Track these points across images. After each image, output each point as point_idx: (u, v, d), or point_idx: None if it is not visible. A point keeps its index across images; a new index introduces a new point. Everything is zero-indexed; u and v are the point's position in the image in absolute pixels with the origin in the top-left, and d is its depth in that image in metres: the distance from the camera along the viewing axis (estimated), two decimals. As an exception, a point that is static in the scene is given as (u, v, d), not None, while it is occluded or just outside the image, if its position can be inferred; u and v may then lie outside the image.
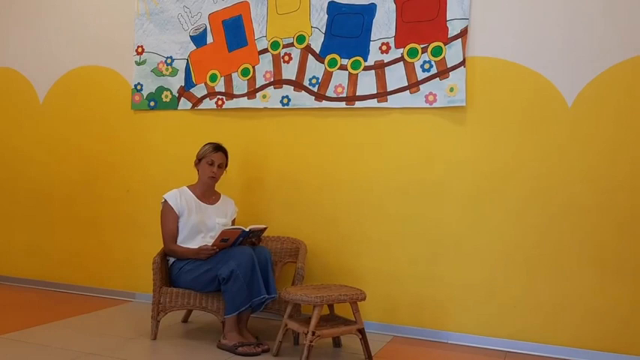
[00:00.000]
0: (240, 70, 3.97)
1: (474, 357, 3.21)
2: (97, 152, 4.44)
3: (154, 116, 4.26)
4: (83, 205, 4.47)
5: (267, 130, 3.92)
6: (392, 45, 3.58)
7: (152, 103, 4.24)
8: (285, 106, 3.84)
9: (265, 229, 3.36)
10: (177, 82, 4.16)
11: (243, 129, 3.97)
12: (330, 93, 3.72)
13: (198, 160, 3.50)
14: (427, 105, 3.49)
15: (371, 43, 3.63)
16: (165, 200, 3.41)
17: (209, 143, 3.51)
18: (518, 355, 3.25)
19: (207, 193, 3.52)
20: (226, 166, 3.54)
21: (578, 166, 3.21)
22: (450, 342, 3.43)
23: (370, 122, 3.65)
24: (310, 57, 3.78)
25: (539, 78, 3.28)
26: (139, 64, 4.28)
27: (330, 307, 3.23)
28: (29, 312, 3.88)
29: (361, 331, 3.05)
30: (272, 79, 3.88)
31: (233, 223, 3.56)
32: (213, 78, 4.04)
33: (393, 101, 3.57)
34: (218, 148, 3.49)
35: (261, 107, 3.91)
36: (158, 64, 4.21)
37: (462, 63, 3.40)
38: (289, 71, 3.83)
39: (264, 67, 3.90)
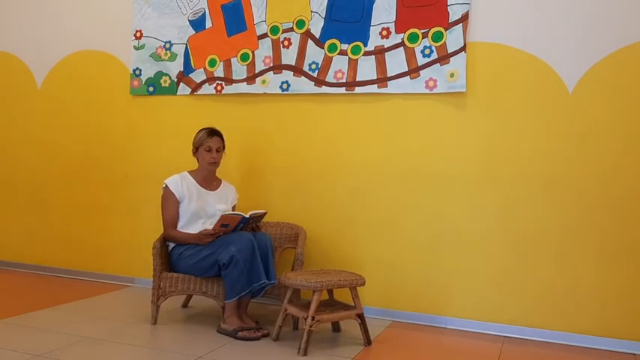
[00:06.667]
0: (239, 55, 3.95)
1: (473, 342, 3.24)
2: (96, 137, 4.43)
3: (153, 101, 4.24)
4: (82, 190, 4.47)
5: (267, 115, 3.91)
6: (392, 30, 3.56)
7: (151, 89, 4.22)
8: (285, 92, 3.82)
9: (265, 214, 3.37)
10: (176, 67, 4.14)
11: (243, 114, 3.96)
12: (329, 78, 3.70)
13: (196, 148, 3.47)
14: (427, 90, 3.48)
15: (371, 28, 3.61)
16: (167, 185, 3.41)
17: (203, 129, 3.49)
18: (516, 340, 3.27)
19: (208, 179, 3.51)
20: (224, 148, 3.53)
21: (578, 152, 3.21)
22: (448, 327, 3.45)
23: (370, 108, 3.64)
24: (310, 42, 3.76)
25: (540, 64, 3.27)
26: (137, 48, 4.25)
27: (330, 292, 3.25)
28: (28, 297, 3.89)
29: (360, 316, 3.07)
30: (271, 65, 3.86)
31: (233, 209, 3.56)
32: (212, 63, 4.02)
33: (393, 87, 3.56)
34: (213, 132, 3.47)
35: (261, 92, 3.89)
36: (157, 48, 4.19)
37: (463, 48, 3.39)
38: (289, 56, 3.81)
39: (263, 52, 3.88)
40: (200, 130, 3.49)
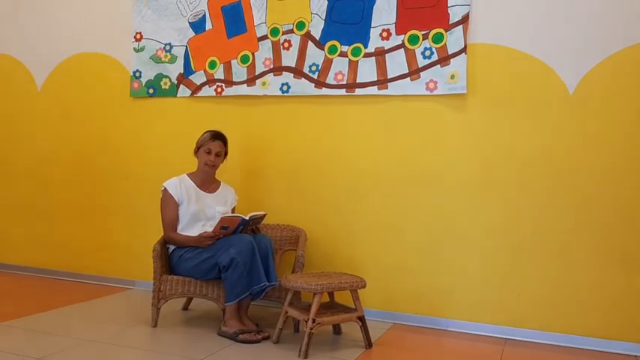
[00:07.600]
0: (239, 56, 3.94)
1: (474, 344, 3.23)
2: (96, 140, 4.42)
3: (153, 103, 4.24)
4: (82, 193, 4.47)
5: (267, 117, 3.90)
6: (392, 31, 3.55)
7: (151, 91, 4.22)
8: (285, 94, 3.82)
9: (264, 215, 3.36)
10: (176, 69, 4.13)
11: (243, 116, 3.96)
12: (330, 80, 3.70)
13: (197, 148, 3.48)
14: (428, 92, 3.47)
15: (371, 29, 3.60)
16: (165, 188, 3.40)
17: (208, 131, 3.49)
18: (517, 342, 3.26)
19: (206, 181, 3.50)
20: (226, 154, 3.52)
21: (579, 153, 3.20)
22: (449, 329, 3.44)
23: (370, 109, 3.64)
24: (310, 44, 3.75)
25: (540, 65, 3.26)
26: (137, 50, 4.25)
27: (331, 294, 3.24)
28: (29, 299, 3.89)
29: (361, 319, 3.06)
30: (271, 66, 3.85)
31: (233, 211, 3.55)
32: (213, 65, 4.02)
33: (393, 88, 3.55)
34: (216, 136, 3.47)
35: (261, 94, 3.89)
36: (157, 50, 4.19)
37: (463, 50, 3.38)
38: (289, 58, 3.81)
39: (263, 53, 3.87)
40: (206, 132, 3.49)
